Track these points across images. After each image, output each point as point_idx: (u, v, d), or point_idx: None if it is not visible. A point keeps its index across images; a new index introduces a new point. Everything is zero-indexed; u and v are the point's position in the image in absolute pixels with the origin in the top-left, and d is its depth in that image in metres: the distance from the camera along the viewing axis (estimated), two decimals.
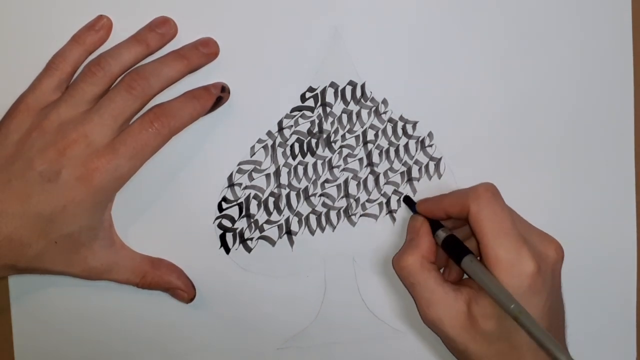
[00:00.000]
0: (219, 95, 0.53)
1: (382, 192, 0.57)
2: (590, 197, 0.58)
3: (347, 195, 0.57)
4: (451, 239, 0.53)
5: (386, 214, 0.57)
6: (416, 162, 0.57)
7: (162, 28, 0.53)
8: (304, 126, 0.56)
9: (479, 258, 0.51)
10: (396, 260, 0.53)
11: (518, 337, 0.49)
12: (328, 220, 0.57)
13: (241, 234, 0.56)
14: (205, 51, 0.54)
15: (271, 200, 0.56)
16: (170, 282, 0.55)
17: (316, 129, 0.56)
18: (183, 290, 0.56)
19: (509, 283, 0.49)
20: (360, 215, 0.57)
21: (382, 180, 0.57)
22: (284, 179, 0.56)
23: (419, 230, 0.54)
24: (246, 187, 0.56)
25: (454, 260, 0.52)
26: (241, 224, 0.56)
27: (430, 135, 0.57)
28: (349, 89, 0.56)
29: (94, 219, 0.52)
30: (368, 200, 0.57)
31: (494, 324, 0.49)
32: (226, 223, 0.56)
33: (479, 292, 0.50)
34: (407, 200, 0.57)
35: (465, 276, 0.53)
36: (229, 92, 0.54)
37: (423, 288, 0.51)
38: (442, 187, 0.57)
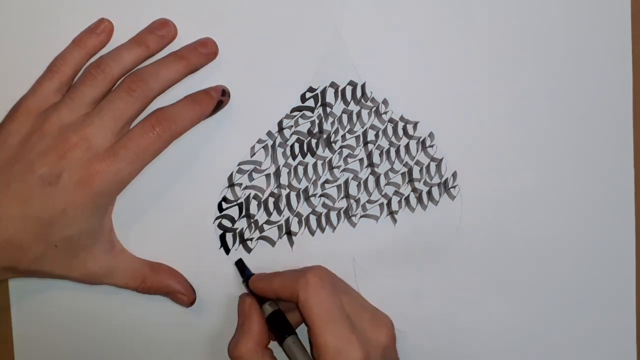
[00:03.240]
0: (219, 99, 0.53)
1: (383, 193, 0.57)
2: (590, 197, 0.58)
3: (347, 196, 0.57)
4: (276, 315, 0.53)
5: (387, 215, 0.57)
6: (417, 163, 0.57)
7: (162, 30, 0.53)
8: (304, 126, 0.56)
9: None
10: (231, 350, 0.53)
11: None
12: (328, 220, 0.57)
13: (241, 234, 0.56)
14: (204, 51, 0.53)
15: (271, 200, 0.56)
16: (170, 286, 0.55)
17: (316, 129, 0.56)
18: (183, 294, 0.55)
19: None
20: (361, 216, 0.57)
21: (382, 181, 0.57)
22: (284, 179, 0.56)
23: (248, 313, 0.53)
24: (246, 187, 0.56)
25: (277, 338, 0.53)
26: (241, 224, 0.56)
27: (431, 135, 0.57)
28: (349, 89, 0.56)
29: (94, 222, 0.52)
30: (368, 201, 0.57)
31: None
32: (226, 223, 0.56)
33: None
34: (239, 265, 0.56)
35: None
36: (229, 96, 0.54)
37: None
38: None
